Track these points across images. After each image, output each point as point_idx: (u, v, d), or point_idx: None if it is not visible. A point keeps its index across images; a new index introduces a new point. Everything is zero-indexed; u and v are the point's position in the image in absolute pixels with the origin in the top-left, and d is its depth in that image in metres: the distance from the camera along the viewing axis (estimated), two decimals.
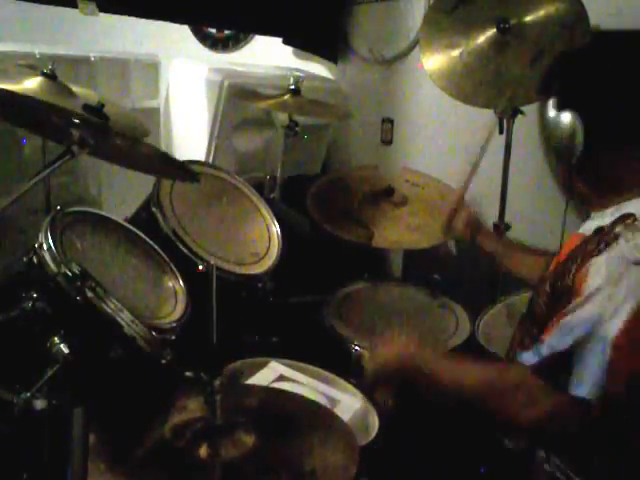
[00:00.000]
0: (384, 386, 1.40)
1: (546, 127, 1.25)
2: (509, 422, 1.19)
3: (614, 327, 1.08)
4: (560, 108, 1.22)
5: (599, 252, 1.15)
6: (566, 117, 1.20)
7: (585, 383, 1.07)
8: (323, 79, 3.01)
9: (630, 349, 1.08)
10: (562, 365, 1.10)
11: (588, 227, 1.27)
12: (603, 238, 1.18)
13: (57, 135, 1.45)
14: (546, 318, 1.24)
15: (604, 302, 1.09)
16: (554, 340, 1.12)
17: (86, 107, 1.69)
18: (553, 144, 1.25)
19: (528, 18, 1.97)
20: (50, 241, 1.33)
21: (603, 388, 1.07)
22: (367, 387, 1.43)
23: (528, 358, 1.13)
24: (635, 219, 1.17)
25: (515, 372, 1.16)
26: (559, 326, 1.13)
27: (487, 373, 1.21)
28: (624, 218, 1.19)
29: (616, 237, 1.15)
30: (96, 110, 1.67)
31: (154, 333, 1.35)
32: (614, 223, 1.20)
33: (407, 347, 1.30)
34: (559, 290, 1.22)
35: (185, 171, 1.58)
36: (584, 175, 1.26)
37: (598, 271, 1.12)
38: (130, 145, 1.43)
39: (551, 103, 1.24)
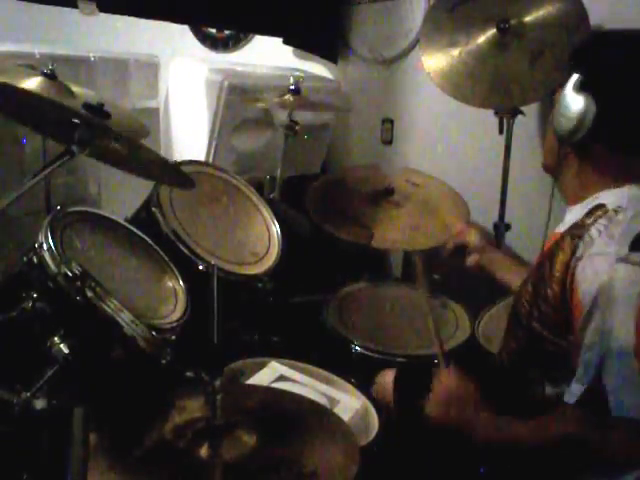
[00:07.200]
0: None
1: (559, 105, 1.20)
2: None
3: (629, 339, 1.05)
4: (580, 90, 1.17)
5: (575, 250, 1.14)
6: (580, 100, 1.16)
7: (625, 405, 1.05)
8: (323, 79, 3.01)
9: None
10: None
11: (565, 223, 1.27)
12: (576, 233, 1.17)
13: (58, 133, 1.45)
14: (530, 319, 1.24)
15: (605, 318, 1.07)
16: (580, 376, 1.11)
17: (86, 106, 1.69)
18: (558, 125, 1.21)
19: (528, 18, 1.97)
20: (50, 241, 1.32)
21: None
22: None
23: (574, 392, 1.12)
24: (606, 210, 1.16)
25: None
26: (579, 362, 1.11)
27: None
28: (595, 209, 1.18)
29: (588, 230, 1.14)
30: (96, 109, 1.67)
31: (154, 333, 1.35)
32: (586, 216, 1.19)
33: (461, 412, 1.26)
34: (543, 292, 1.21)
35: (181, 176, 1.59)
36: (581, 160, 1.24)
37: (585, 279, 1.10)
38: (129, 148, 1.43)
39: (572, 82, 1.18)
